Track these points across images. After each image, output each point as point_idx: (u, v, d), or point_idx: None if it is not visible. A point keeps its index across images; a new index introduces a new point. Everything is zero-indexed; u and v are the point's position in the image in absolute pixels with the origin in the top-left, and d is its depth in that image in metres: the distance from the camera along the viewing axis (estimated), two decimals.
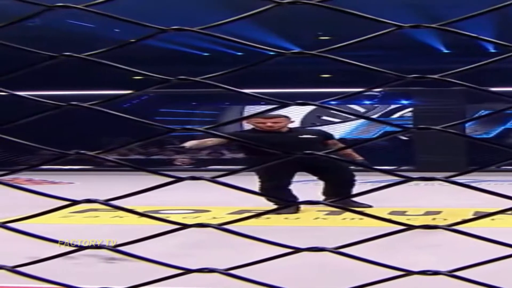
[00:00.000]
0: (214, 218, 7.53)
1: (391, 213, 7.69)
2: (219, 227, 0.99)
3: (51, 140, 11.76)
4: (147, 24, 0.93)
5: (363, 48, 12.24)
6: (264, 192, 7.88)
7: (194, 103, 20.14)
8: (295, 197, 7.61)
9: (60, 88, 14.31)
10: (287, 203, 5.80)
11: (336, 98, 1.31)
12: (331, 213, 7.34)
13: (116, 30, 13.57)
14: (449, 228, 1.00)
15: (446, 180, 0.99)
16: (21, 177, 12.69)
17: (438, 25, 0.99)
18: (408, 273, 1.00)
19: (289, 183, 8.04)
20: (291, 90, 15.28)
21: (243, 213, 7.60)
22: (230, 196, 7.79)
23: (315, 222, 6.98)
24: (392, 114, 19.83)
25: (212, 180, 0.98)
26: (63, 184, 12.32)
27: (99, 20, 11.92)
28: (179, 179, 0.99)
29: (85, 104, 0.93)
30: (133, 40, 0.95)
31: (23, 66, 0.95)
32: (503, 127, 19.83)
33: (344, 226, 6.67)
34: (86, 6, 0.93)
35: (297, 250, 0.98)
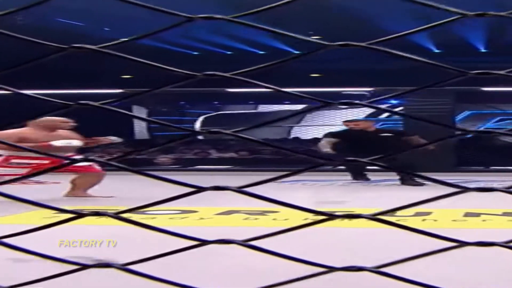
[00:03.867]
0: (202, 218, 7.40)
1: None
2: (245, 243, 0.89)
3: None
4: (176, 12, 0.83)
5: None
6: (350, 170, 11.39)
7: (182, 103, 20.06)
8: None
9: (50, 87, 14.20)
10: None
11: (391, 96, 1.22)
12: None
13: (106, 29, 13.46)
14: (507, 245, 0.91)
15: (507, 191, 0.90)
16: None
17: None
18: (331, 269, 0.92)
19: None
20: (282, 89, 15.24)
21: (232, 213, 7.49)
22: (216, 196, 7.68)
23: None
24: (381, 114, 19.79)
25: (240, 190, 0.87)
26: (48, 184, 12.18)
27: (88, 18, 11.83)
28: (201, 189, 0.89)
29: (96, 103, 0.83)
30: (157, 30, 0.86)
31: (28, 60, 0.85)
32: (486, 126, 19.93)
33: (334, 227, 6.58)
34: None
35: (331, 269, 0.88)
